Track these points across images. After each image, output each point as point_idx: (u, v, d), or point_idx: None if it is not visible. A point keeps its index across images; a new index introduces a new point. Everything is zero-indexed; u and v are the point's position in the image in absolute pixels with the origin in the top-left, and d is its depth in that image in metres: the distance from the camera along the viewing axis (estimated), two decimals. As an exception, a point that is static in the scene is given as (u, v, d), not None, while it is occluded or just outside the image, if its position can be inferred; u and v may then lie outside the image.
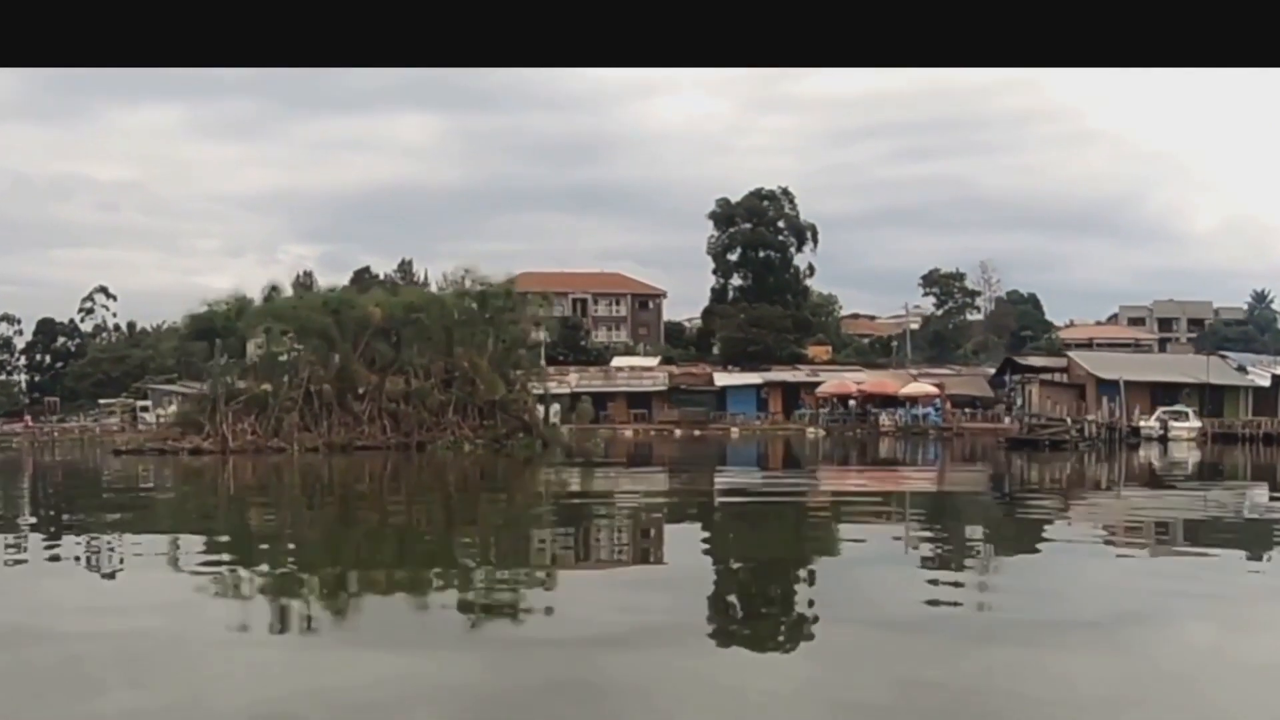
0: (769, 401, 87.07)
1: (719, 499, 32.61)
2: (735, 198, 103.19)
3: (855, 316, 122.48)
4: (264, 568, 17.33)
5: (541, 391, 61.39)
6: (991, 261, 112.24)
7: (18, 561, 18.58)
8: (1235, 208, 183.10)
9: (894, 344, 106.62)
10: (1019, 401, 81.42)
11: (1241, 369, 79.83)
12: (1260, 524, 25.20)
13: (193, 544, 20.06)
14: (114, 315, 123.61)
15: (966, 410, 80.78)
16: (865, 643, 11.34)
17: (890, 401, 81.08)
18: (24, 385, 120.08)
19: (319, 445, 54.63)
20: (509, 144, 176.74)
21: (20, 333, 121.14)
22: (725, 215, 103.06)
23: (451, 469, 45.42)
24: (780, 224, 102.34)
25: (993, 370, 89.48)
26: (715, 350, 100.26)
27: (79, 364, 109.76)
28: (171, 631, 12.02)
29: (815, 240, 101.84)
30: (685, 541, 21.52)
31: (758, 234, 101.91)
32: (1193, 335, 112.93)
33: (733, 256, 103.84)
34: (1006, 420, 77.66)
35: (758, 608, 14.27)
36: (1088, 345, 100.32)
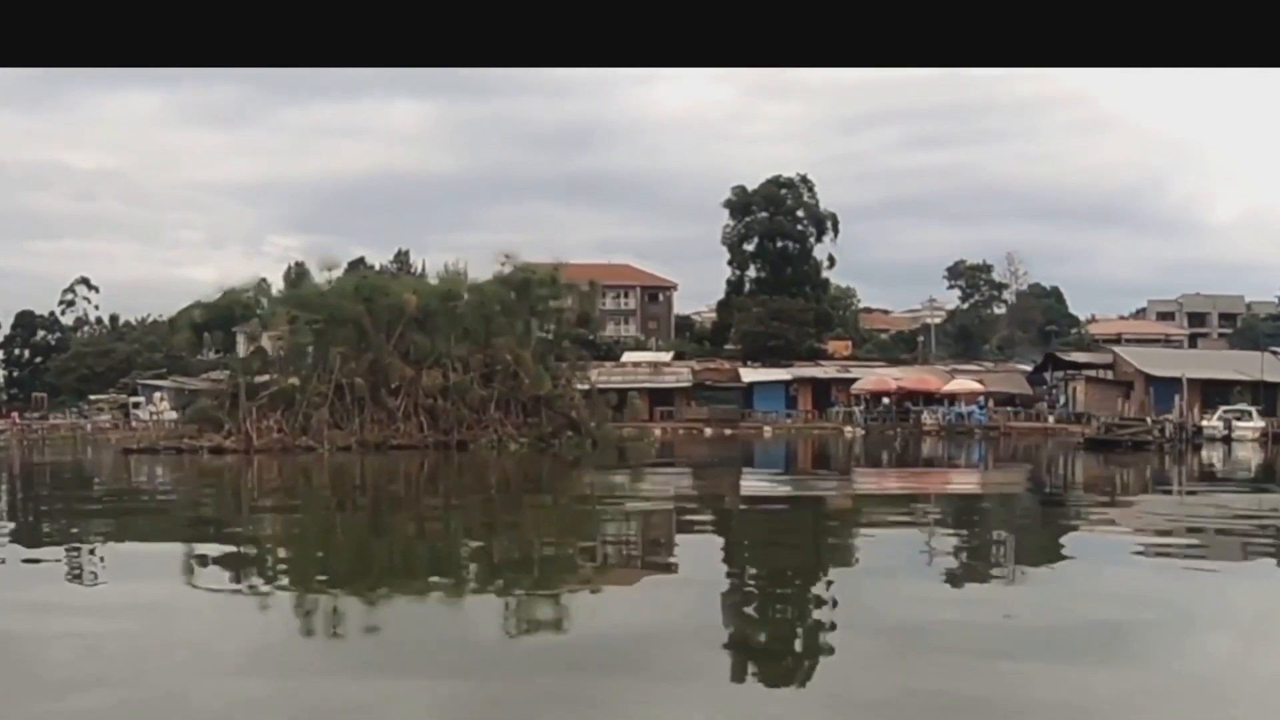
0: (798, 398, 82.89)
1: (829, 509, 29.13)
2: (751, 185, 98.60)
3: (868, 311, 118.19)
4: (293, 588, 15.63)
5: (587, 387, 57.14)
6: (1018, 252, 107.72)
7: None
8: (1258, 198, 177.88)
9: (920, 339, 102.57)
10: (1061, 399, 77.95)
11: (1296, 365, 76.31)
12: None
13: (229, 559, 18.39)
14: (96, 308, 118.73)
15: (1007, 408, 76.84)
16: None
17: (928, 399, 77.21)
18: (1, 381, 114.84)
19: (351, 444, 50.39)
20: (504, 131, 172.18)
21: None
22: (741, 203, 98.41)
23: (496, 470, 41.79)
24: (799, 213, 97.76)
25: (1026, 366, 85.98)
26: (728, 344, 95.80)
27: (62, 358, 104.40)
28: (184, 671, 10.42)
29: (836, 230, 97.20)
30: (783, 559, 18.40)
31: (776, 223, 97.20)
32: (1225, 330, 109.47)
33: (749, 247, 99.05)
34: (1050, 419, 74.47)
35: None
36: (1116, 341, 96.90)
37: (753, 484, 37.98)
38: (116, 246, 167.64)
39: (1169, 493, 34.94)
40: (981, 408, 74.17)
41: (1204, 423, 65.41)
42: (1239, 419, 65.92)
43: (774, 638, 12.76)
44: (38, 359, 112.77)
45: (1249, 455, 53.22)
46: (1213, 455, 53.20)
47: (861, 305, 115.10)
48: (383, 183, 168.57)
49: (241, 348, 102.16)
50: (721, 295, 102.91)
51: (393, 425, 51.87)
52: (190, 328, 58.41)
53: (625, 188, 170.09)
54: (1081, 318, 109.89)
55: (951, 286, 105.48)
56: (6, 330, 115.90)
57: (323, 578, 16.85)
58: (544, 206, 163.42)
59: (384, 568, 18.05)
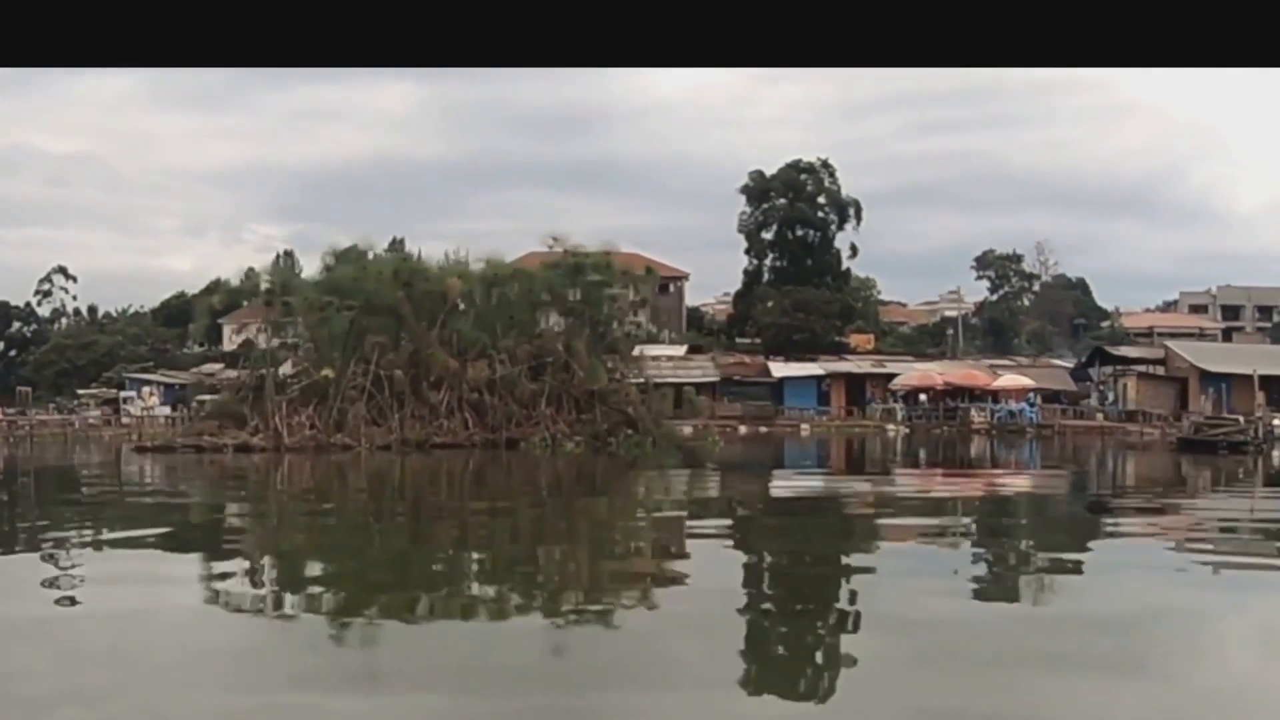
0: (830, 394, 78.65)
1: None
2: (768, 170, 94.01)
3: (883, 303, 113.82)
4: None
5: (642, 381, 52.68)
6: (1048, 241, 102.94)
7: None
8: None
9: (949, 332, 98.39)
10: (1110, 396, 74.14)
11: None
12: None
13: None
14: (74, 299, 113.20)
15: (1052, 406, 72.91)
16: None
17: (971, 396, 73.16)
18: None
19: (391, 442, 45.81)
20: (496, 115, 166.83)
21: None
22: (760, 189, 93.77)
23: (549, 471, 37.99)
24: (820, 199, 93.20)
25: (1060, 361, 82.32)
26: (745, 338, 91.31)
27: (40, 351, 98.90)
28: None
29: (859, 217, 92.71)
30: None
31: (797, 210, 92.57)
32: (1263, 324, 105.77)
33: (768, 235, 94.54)
34: (1099, 416, 70.75)
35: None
36: (1147, 334, 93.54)
37: (836, 487, 33.48)
38: (91, 235, 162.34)
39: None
40: (1032, 405, 70.17)
41: (1276, 421, 61.72)
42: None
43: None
44: (12, 352, 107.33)
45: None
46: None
47: (886, 296, 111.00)
48: (369, 168, 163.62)
49: (227, 339, 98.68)
50: (732, 286, 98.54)
51: (435, 422, 47.21)
52: (209, 314, 53.41)
53: (624, 174, 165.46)
54: (1107, 310, 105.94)
55: (980, 277, 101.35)
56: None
57: (349, 593, 14.82)
58: (538, 194, 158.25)
59: (420, 580, 15.71)
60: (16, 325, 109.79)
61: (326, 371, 47.01)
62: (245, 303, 56.26)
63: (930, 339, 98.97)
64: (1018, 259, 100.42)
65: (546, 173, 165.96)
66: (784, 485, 35.36)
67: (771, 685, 10.10)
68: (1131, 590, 14.22)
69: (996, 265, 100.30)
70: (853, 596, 14.35)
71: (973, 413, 70.61)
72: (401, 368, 47.16)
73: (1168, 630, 11.89)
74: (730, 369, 79.60)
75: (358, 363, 47.32)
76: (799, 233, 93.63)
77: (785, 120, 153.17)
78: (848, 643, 11.71)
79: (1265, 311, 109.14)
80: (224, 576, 15.64)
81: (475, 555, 18.97)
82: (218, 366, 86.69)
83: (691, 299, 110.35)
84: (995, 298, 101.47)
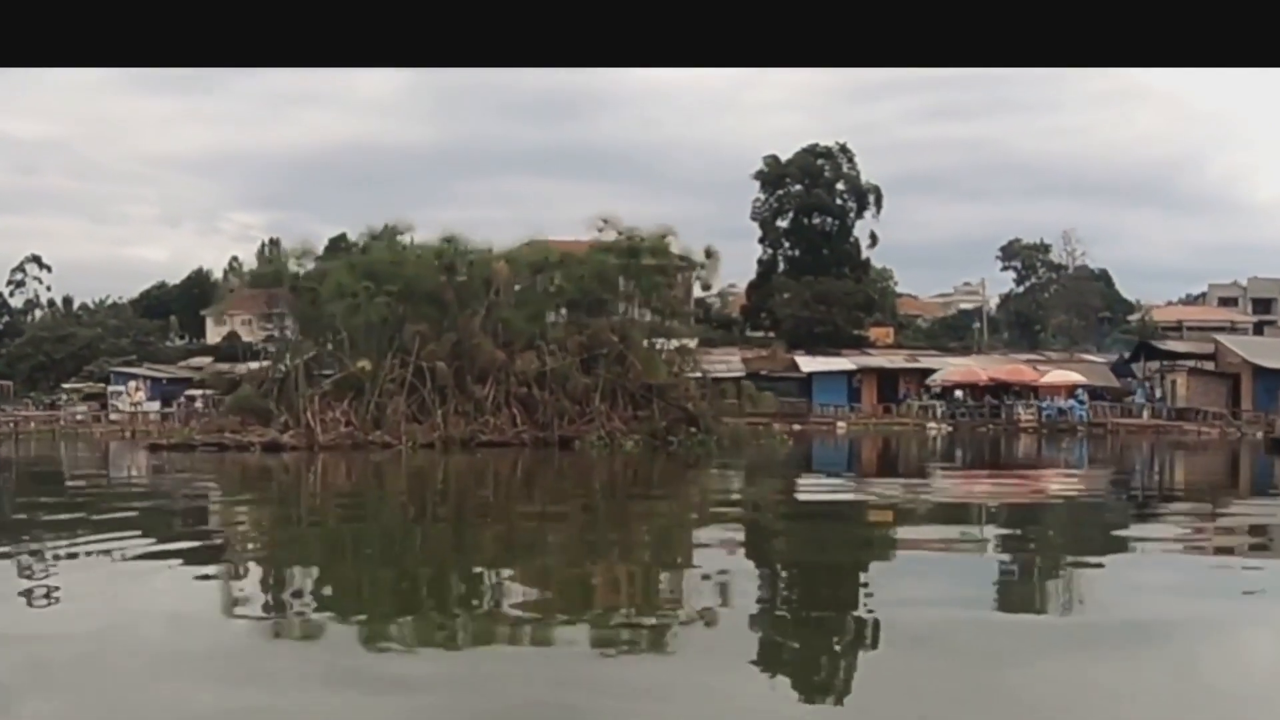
0: (861, 390, 74.78)
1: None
2: (784, 156, 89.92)
3: (898, 295, 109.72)
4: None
5: (700, 375, 48.65)
6: (1075, 230, 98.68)
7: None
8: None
9: (975, 325, 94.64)
10: (1158, 393, 70.68)
11: None
12: None
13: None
14: (48, 289, 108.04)
15: (1100, 403, 69.36)
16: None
17: (1012, 392, 69.49)
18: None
19: (434, 440, 41.64)
20: (485, 99, 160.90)
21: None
22: (774, 175, 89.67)
23: (604, 473, 34.85)
24: (839, 185, 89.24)
25: (1092, 356, 78.91)
26: (760, 331, 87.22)
27: (15, 344, 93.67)
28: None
29: (880, 205, 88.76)
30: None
31: (814, 197, 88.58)
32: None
33: (783, 223, 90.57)
34: (1145, 414, 67.31)
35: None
36: (1176, 328, 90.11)
37: (924, 494, 29.19)
38: (62, 223, 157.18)
39: None
40: (1082, 402, 66.53)
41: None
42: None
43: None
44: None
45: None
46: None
47: (897, 288, 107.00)
48: (352, 155, 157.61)
49: (210, 331, 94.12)
50: (739, 277, 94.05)
51: (481, 418, 43.03)
52: (227, 297, 49.11)
53: (618, 161, 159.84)
54: (1131, 302, 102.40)
55: (1005, 268, 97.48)
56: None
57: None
58: (529, 181, 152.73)
59: (460, 596, 14.10)
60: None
61: (363, 363, 42.69)
62: (247, 290, 52.30)
63: (952, 333, 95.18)
64: (1045, 249, 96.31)
65: (538, 159, 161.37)
66: (866, 491, 30.68)
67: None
68: None
69: (1023, 255, 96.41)
70: None
71: (1019, 410, 66.91)
72: (444, 359, 42.94)
73: None
74: (756, 363, 75.51)
75: (395, 354, 43.07)
76: (816, 220, 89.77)
77: (787, 104, 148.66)
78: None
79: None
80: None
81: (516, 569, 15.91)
82: (206, 360, 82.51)
83: (697, 289, 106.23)
84: (1021, 290, 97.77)
